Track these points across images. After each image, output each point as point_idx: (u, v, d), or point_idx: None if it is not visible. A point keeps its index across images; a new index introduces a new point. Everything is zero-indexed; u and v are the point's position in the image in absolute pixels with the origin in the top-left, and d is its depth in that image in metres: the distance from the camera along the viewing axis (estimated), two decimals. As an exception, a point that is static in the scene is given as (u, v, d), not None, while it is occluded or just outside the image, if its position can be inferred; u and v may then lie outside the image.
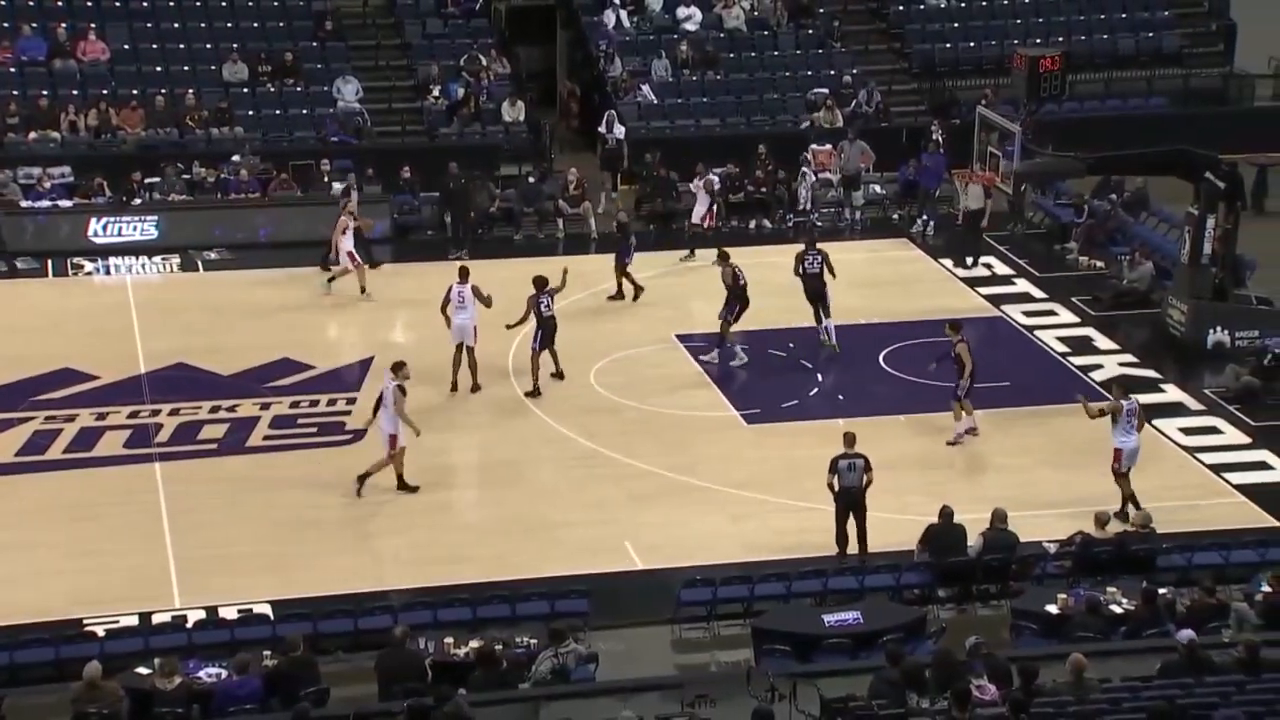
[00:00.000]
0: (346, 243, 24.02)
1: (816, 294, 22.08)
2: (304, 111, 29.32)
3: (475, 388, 21.01)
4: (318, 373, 21.80)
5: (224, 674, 13.98)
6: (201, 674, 14.05)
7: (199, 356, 22.15)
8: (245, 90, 29.52)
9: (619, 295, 24.03)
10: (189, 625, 15.37)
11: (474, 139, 29.43)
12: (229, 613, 15.73)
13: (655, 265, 25.95)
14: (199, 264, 26.06)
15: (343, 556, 17.24)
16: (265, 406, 20.74)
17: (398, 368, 18.55)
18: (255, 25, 30.81)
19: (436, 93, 29.87)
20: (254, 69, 29.72)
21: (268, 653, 14.31)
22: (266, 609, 15.78)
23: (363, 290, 23.99)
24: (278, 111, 29.33)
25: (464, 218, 26.61)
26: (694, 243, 26.07)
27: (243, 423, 20.29)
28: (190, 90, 29.00)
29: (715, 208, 26.24)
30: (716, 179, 26.67)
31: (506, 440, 19.97)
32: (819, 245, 22.41)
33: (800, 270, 22.17)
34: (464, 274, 21.30)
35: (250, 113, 29.16)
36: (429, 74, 30.13)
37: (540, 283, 20.99)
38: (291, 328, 23.33)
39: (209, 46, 30.16)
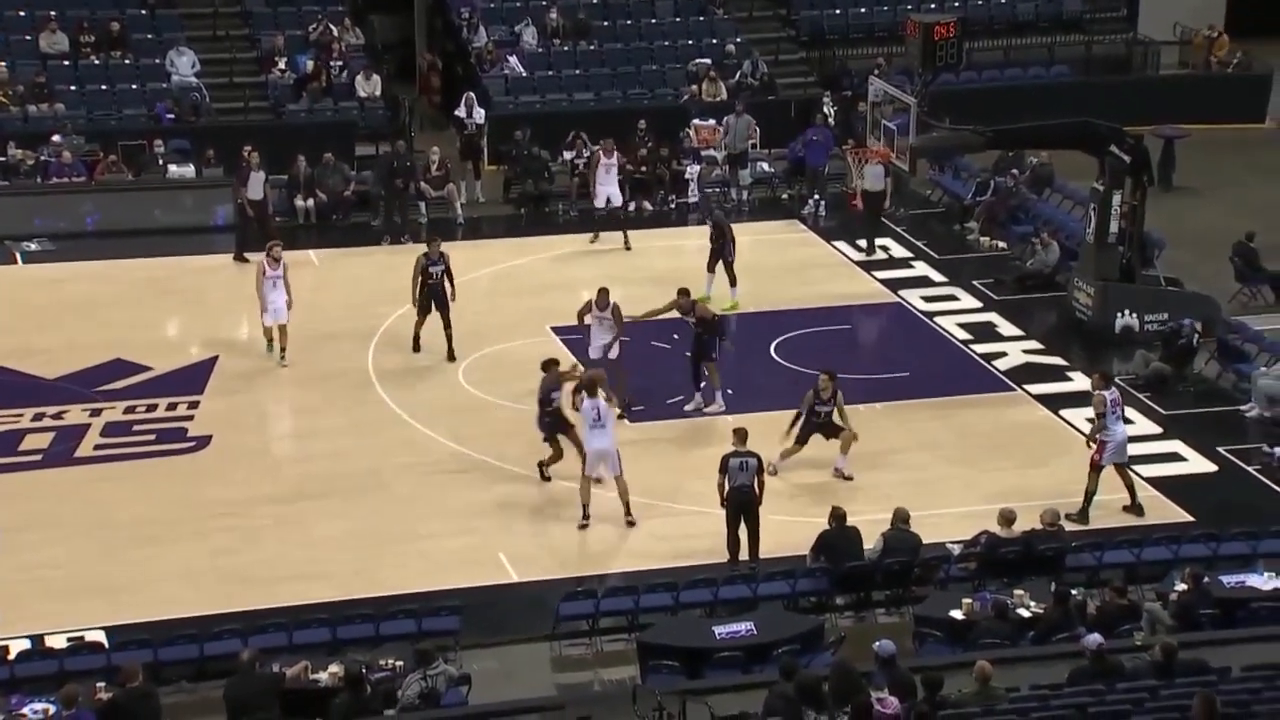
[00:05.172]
0: (267, 294, 21.17)
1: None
2: (133, 86, 28.85)
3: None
4: (155, 374, 21.45)
5: (51, 709, 13.69)
6: (26, 710, 13.75)
7: (19, 358, 21.71)
8: (66, 63, 28.97)
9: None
10: (11, 656, 15.01)
11: (325, 116, 29.18)
12: (57, 641, 15.39)
13: (528, 252, 25.96)
14: (17, 256, 25.53)
15: (185, 577, 16.98)
16: (96, 413, 20.37)
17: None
18: (76, -10, 30.24)
19: (282, 66, 29.56)
20: (75, 39, 29.19)
21: (102, 684, 14.03)
22: (100, 636, 15.50)
23: (279, 349, 21.50)
24: (104, 86, 28.83)
25: (401, 202, 26.16)
26: (605, 225, 25.87)
27: (70, 431, 19.91)
28: (3, 63, 28.35)
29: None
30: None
31: (365, 445, 19.82)
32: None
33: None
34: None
35: (72, 88, 28.63)
36: (273, 45, 29.78)
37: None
38: (125, 325, 22.94)
39: (23, 14, 29.57)
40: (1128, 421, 19.41)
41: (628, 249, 25.73)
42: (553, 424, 18.56)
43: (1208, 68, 33.23)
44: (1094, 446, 18.12)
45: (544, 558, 17.43)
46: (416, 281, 21.53)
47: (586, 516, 17.90)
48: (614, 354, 20.24)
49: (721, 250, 23.41)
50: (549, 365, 18.83)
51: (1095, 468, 18.06)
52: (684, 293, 20.78)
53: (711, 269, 23.37)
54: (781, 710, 12.99)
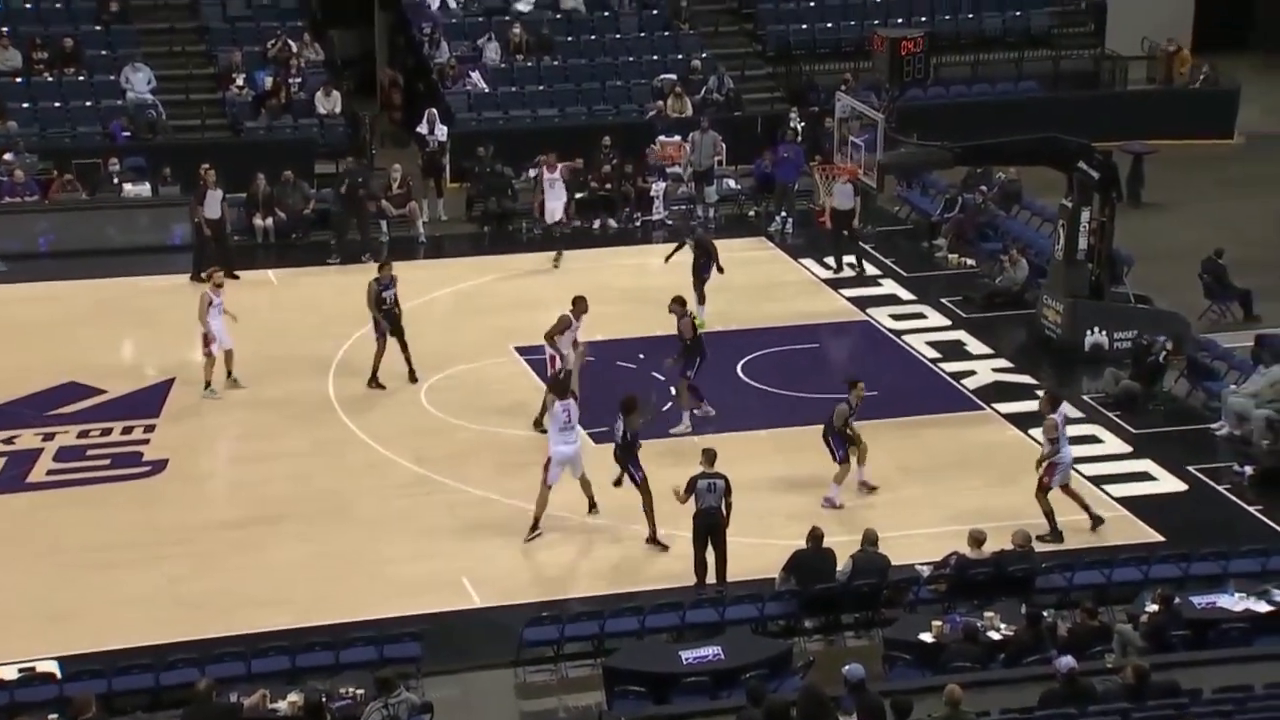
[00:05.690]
0: (209, 323, 21.06)
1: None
2: (88, 104, 28.74)
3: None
4: (110, 398, 21.34)
5: (3, 743, 13.57)
6: (-23, 744, 13.62)
7: (-30, 382, 21.57)
8: (19, 80, 28.86)
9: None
10: (-38, 689, 14.87)
11: (285, 134, 29.12)
12: (7, 672, 15.22)
13: (493, 270, 25.93)
14: (-31, 277, 25.39)
15: (140, 604, 16.86)
16: (49, 437, 20.24)
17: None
18: (29, 6, 30.19)
19: (240, 82, 29.49)
20: (28, 55, 29.06)
21: (54, 716, 13.93)
22: (52, 666, 15.35)
23: (206, 384, 21.22)
24: (57, 104, 28.72)
25: (358, 219, 26.08)
26: (561, 243, 26.05)
27: (22, 456, 19.78)
28: (-46, 80, 28.24)
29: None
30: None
31: (325, 468, 19.74)
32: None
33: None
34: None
35: (25, 105, 28.52)
36: (231, 61, 29.69)
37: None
38: (79, 348, 22.81)
39: (-26, 31, 29.41)
40: (1099, 441, 19.50)
41: (555, 266, 25.72)
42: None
43: (1169, 81, 33.49)
44: (1041, 469, 18.15)
45: (507, 581, 17.37)
46: (375, 308, 21.38)
47: (538, 528, 17.88)
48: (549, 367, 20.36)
49: (705, 268, 23.42)
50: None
51: (1045, 489, 18.13)
52: (680, 301, 20.85)
53: (699, 289, 23.33)
54: (749, 736, 12.97)
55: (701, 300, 23.42)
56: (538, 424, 19.97)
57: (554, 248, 26.24)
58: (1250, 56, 35.90)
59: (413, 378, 21.61)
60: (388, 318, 21.37)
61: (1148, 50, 34.43)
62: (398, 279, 21.63)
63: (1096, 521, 18.26)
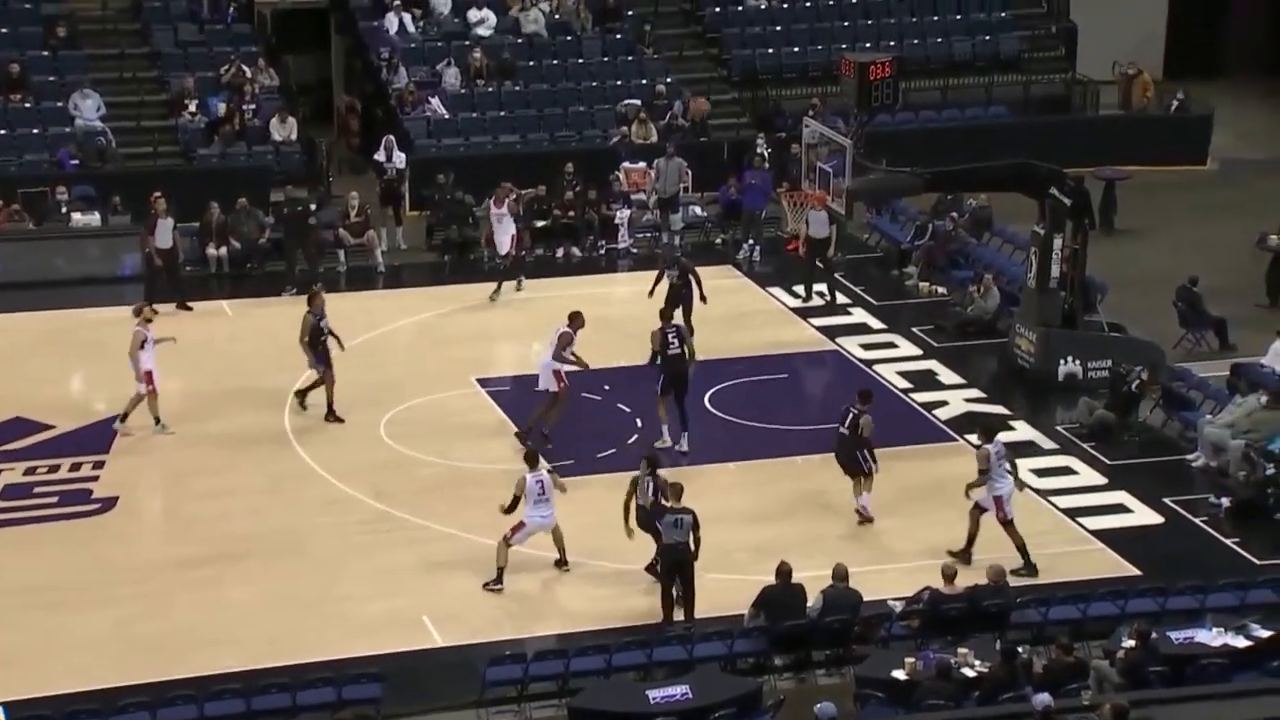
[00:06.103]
0: (146, 359, 20.94)
1: None
2: (35, 131, 28.62)
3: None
4: (58, 433, 21.21)
5: (-53, 791, 13.41)
6: (-80, 793, 13.45)
7: (-87, 417, 21.41)
8: (-38, 107, 28.70)
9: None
10: (-96, 735, 14.74)
11: (239, 161, 29.04)
12: (-48, 718, 15.11)
13: (453, 300, 25.87)
14: (-88, 309, 25.20)
15: (89, 647, 16.72)
16: (-6, 474, 20.11)
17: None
18: (-26, 32, 30.02)
19: (193, 108, 29.42)
20: (-27, 82, 28.92)
21: (1, 763, 13.80)
22: (-2, 712, 15.23)
23: (156, 421, 21.11)
24: (3, 131, 28.63)
25: (303, 248, 25.98)
26: (511, 274, 25.94)
27: (-33, 494, 19.64)
28: (-102, 107, 28.12)
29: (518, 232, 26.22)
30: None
31: (281, 504, 19.65)
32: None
33: None
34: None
35: (-30, 133, 28.36)
36: (183, 87, 29.64)
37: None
38: (25, 382, 22.67)
39: (-83, 56, 29.30)
40: (1073, 472, 19.49)
41: (491, 299, 25.61)
42: None
43: (1129, 106, 33.75)
44: (971, 499, 18.22)
45: (470, 620, 17.31)
46: (318, 343, 21.24)
47: (501, 581, 17.76)
48: (554, 387, 20.51)
49: (686, 297, 23.36)
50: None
51: (1006, 524, 18.18)
52: (663, 315, 20.99)
53: (670, 316, 23.10)
54: (719, 778, 12.94)
55: (690, 332, 23.31)
56: (523, 436, 19.93)
57: (498, 280, 25.89)
58: (1223, 82, 36.24)
59: (302, 404, 21.55)
60: (324, 348, 21.27)
61: (1119, 75, 34.68)
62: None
63: (963, 558, 18.05)
